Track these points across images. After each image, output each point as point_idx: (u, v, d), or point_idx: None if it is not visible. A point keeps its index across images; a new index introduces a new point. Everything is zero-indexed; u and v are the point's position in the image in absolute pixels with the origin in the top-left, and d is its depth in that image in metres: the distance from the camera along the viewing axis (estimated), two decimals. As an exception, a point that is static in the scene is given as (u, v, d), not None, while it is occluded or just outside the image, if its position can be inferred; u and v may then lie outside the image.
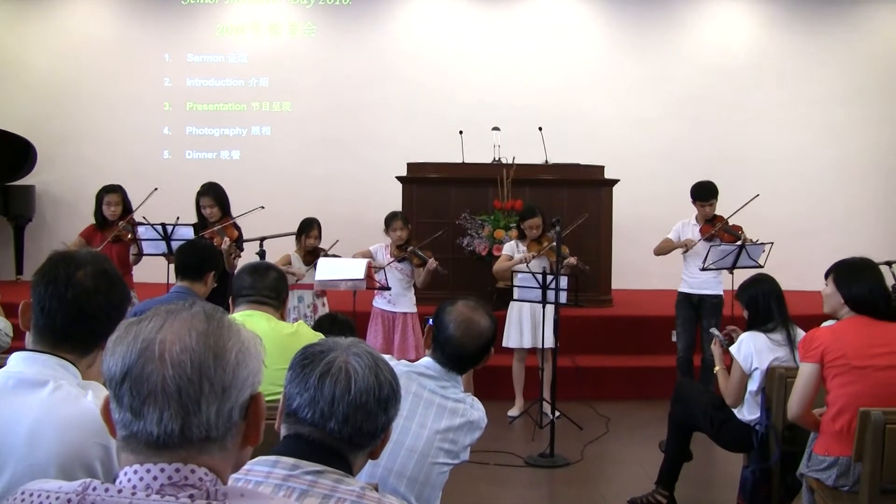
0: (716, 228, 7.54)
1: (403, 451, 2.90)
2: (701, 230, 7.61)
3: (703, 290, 7.58)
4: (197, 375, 1.43)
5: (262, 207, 7.86)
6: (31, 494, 1.49)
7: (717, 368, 5.28)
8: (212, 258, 5.09)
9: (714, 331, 5.47)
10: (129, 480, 1.43)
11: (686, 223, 7.78)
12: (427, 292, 7.80)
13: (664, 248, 7.78)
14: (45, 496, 1.47)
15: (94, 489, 1.44)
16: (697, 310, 7.61)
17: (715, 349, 5.35)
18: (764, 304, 5.07)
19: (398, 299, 7.62)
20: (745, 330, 5.14)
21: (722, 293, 7.59)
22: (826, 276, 4.46)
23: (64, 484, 1.50)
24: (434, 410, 3.01)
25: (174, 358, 1.43)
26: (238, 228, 7.58)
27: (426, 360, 3.15)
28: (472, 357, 3.13)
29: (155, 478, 1.41)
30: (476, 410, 3.11)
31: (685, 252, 7.60)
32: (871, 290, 4.28)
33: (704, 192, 7.60)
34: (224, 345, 1.47)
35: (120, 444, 1.48)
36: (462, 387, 3.15)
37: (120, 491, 1.42)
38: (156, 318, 1.49)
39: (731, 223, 7.63)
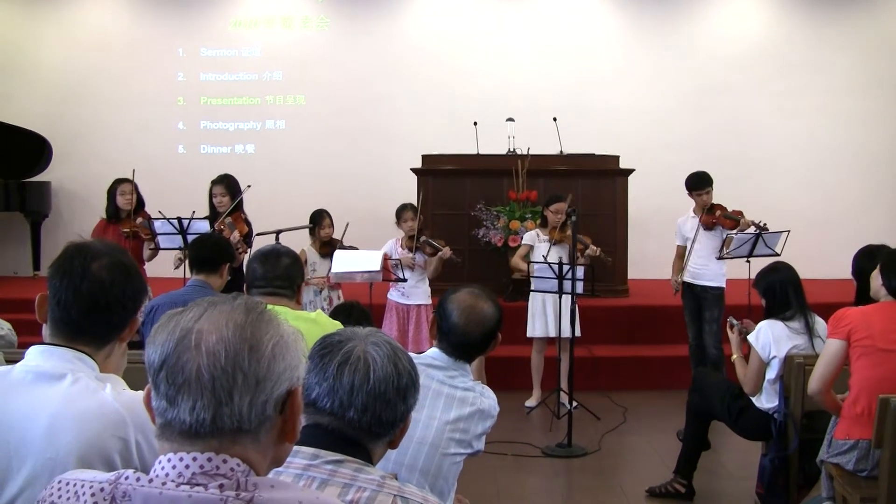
0: (715, 216, 7.50)
1: (414, 444, 2.86)
2: (701, 220, 7.56)
3: (702, 280, 7.52)
4: (231, 366, 1.44)
5: (249, 186, 7.72)
6: (66, 483, 1.53)
7: (734, 356, 5.26)
8: (226, 250, 5.19)
9: (732, 319, 5.44)
10: (162, 468, 1.44)
11: (684, 219, 7.73)
12: (441, 284, 7.77)
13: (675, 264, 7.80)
14: (80, 485, 1.50)
15: (127, 478, 1.46)
16: (699, 300, 7.59)
17: (733, 336, 5.32)
18: (781, 293, 5.06)
19: (412, 291, 7.60)
20: (763, 318, 5.13)
21: (723, 285, 7.53)
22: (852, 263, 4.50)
23: (98, 474, 1.53)
24: (443, 401, 2.99)
25: (210, 348, 1.44)
26: (248, 224, 7.57)
27: (433, 351, 3.13)
28: (477, 344, 3.11)
29: (187, 466, 1.43)
30: (486, 398, 3.07)
31: (691, 246, 7.58)
32: None
33: (699, 182, 7.55)
34: (260, 337, 1.47)
35: (157, 432, 1.50)
36: (471, 375, 3.13)
37: (151, 480, 1.44)
38: (197, 308, 1.51)
39: (730, 210, 7.58)
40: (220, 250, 5.11)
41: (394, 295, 7.70)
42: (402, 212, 7.71)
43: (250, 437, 1.47)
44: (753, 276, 6.89)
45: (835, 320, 4.33)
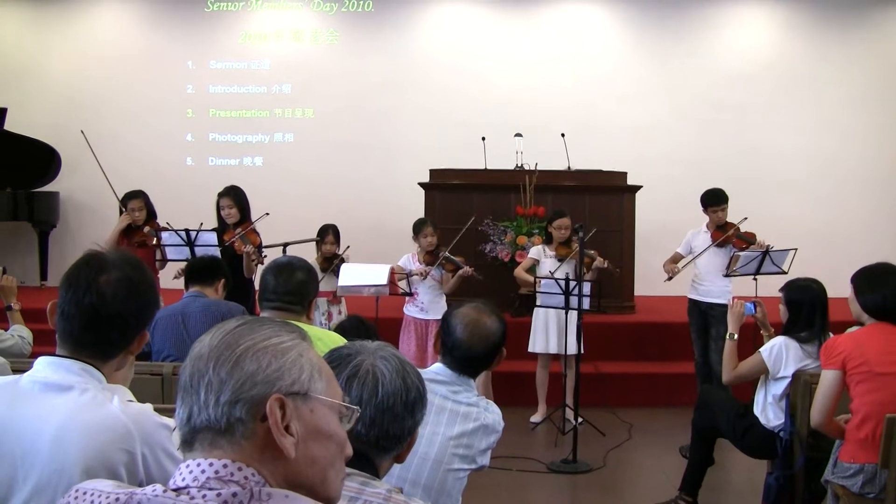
0: (728, 234, 7.50)
1: (417, 459, 2.84)
2: (712, 236, 7.57)
3: (709, 298, 7.50)
4: (205, 365, 1.47)
5: (268, 214, 7.72)
6: (84, 493, 1.53)
7: (730, 334, 5.26)
8: (221, 268, 5.34)
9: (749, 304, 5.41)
10: (181, 475, 1.46)
11: (696, 232, 7.74)
12: (459, 299, 7.73)
13: (670, 267, 7.73)
14: (98, 494, 1.51)
15: (145, 491, 1.47)
16: (706, 317, 7.57)
17: (735, 311, 5.33)
18: (808, 313, 4.97)
19: (431, 307, 7.52)
20: (781, 331, 5.10)
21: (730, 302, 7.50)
22: (851, 282, 4.46)
23: (120, 485, 1.54)
24: (446, 416, 2.97)
25: (198, 353, 1.49)
26: (258, 235, 7.58)
27: (436, 366, 3.11)
28: (481, 359, 3.09)
29: (203, 471, 1.44)
30: (491, 414, 3.05)
31: (691, 261, 7.57)
32: (885, 297, 4.26)
33: (715, 199, 7.56)
34: (238, 340, 1.49)
35: None
36: (475, 390, 3.11)
37: (165, 491, 1.44)
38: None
39: (742, 230, 7.57)
40: (215, 265, 5.27)
41: (412, 310, 7.64)
42: (420, 226, 7.65)
43: (225, 438, 1.45)
44: (759, 293, 6.90)
45: (827, 350, 4.31)
